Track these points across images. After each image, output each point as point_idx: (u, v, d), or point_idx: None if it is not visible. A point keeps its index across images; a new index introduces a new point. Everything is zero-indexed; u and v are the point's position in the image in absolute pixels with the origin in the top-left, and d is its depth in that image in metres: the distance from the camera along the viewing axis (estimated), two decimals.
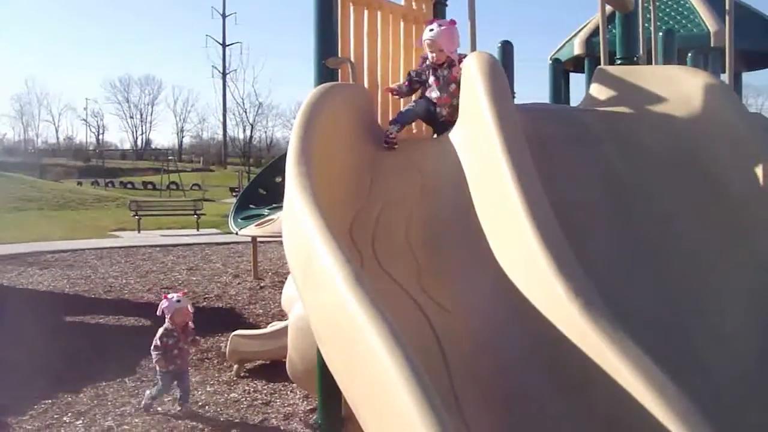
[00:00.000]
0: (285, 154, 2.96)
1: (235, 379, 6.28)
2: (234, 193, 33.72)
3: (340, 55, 3.94)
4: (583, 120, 3.66)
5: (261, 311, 9.08)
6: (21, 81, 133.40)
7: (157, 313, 5.53)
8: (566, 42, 10.37)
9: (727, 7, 5.33)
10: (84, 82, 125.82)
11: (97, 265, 12.85)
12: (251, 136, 69.21)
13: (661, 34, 6.14)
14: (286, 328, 5.41)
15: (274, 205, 10.57)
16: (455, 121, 3.62)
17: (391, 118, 3.93)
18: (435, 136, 3.98)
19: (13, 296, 10.07)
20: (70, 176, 50.23)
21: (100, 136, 79.32)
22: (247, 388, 6.05)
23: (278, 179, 11.00)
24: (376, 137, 3.69)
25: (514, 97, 4.33)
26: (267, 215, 10.59)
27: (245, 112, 68.05)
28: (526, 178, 2.64)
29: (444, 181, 3.17)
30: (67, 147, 74.34)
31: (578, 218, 2.89)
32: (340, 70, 3.94)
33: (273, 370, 6.21)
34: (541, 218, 2.48)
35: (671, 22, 9.22)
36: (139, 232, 19.07)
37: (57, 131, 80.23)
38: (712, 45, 8.71)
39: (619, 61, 5.39)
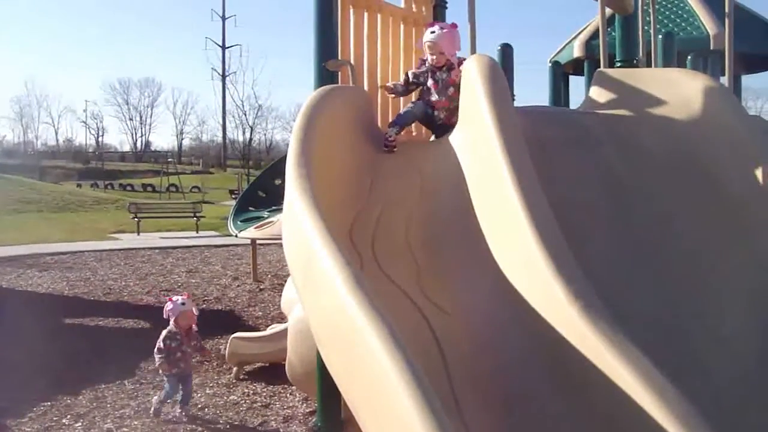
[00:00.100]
0: (285, 157, 2.96)
1: (234, 381, 6.27)
2: (233, 196, 33.71)
3: (340, 58, 3.94)
4: (583, 122, 3.67)
5: (260, 314, 9.07)
6: (20, 83, 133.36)
7: (164, 316, 5.47)
8: (566, 45, 10.39)
9: (726, 10, 5.34)
10: (84, 84, 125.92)
11: (97, 268, 12.85)
12: (251, 139, 69.45)
13: (660, 36, 6.15)
14: (285, 330, 5.41)
15: (273, 208, 10.57)
16: (453, 124, 3.62)
17: (390, 120, 3.93)
18: (433, 138, 3.98)
19: (13, 298, 10.06)
20: (70, 178, 50.25)
21: (100, 138, 79.48)
22: (246, 390, 6.04)
23: (278, 181, 11.01)
24: (376, 139, 3.69)
25: (513, 99, 4.34)
26: (266, 218, 10.60)
27: (245, 115, 68.31)
28: (525, 180, 2.64)
29: (444, 182, 3.17)
30: (66, 149, 74.41)
31: (578, 220, 2.89)
32: (340, 73, 3.94)
33: (272, 372, 6.20)
34: (541, 220, 2.49)
35: (671, 25, 9.25)
36: (138, 234, 19.07)
37: (56, 133, 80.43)
38: (711, 48, 8.74)
39: (618, 64, 5.41)
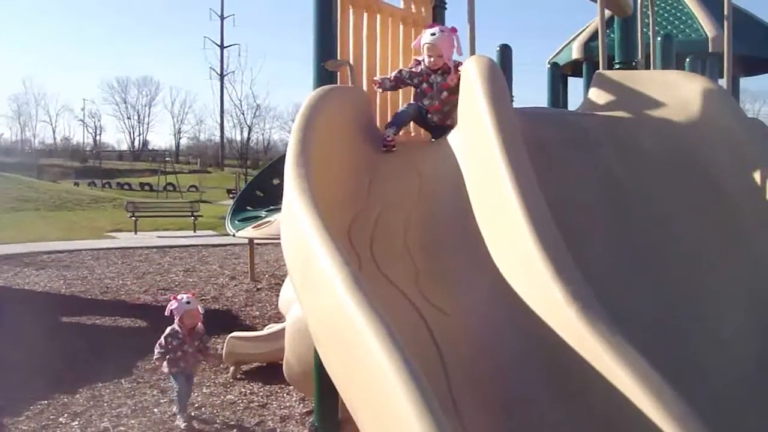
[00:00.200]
0: (283, 156, 2.96)
1: (231, 381, 6.27)
2: (231, 195, 33.72)
3: (339, 58, 3.94)
4: (582, 124, 3.67)
5: (258, 313, 9.07)
6: (18, 81, 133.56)
7: (166, 314, 5.42)
8: (564, 46, 10.40)
9: (725, 13, 5.34)
10: (82, 83, 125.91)
11: (94, 266, 12.83)
12: (249, 138, 69.43)
13: (659, 38, 6.16)
14: (283, 330, 5.40)
15: (271, 207, 10.57)
16: (448, 126, 3.62)
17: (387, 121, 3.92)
18: (432, 139, 3.98)
19: (9, 296, 10.05)
20: (67, 177, 50.19)
21: (98, 137, 79.50)
22: (243, 390, 6.04)
23: (275, 181, 11.01)
24: (375, 139, 3.69)
25: (512, 101, 4.33)
26: (264, 217, 10.60)
27: (243, 114, 68.27)
28: (524, 181, 2.64)
29: (442, 183, 3.17)
30: (64, 148, 74.34)
31: (577, 221, 2.89)
32: (339, 73, 3.94)
33: (269, 372, 6.21)
34: (540, 221, 2.48)
35: (669, 27, 9.26)
36: (135, 233, 19.06)
37: (54, 132, 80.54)
38: (710, 50, 8.75)
39: (617, 66, 5.41)
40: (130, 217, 20.06)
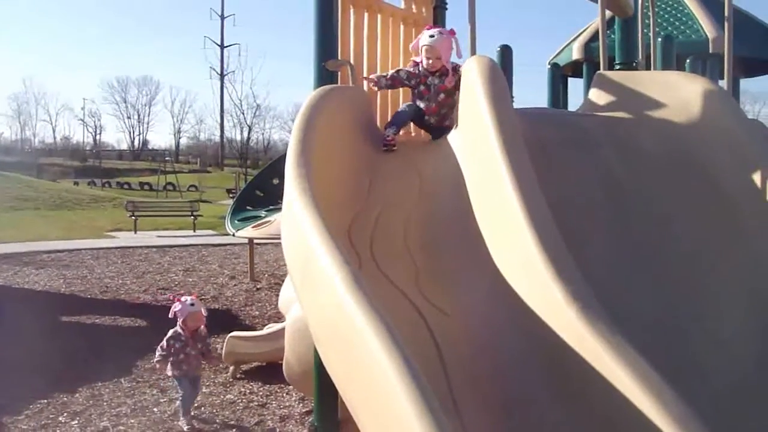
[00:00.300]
0: (283, 156, 2.96)
1: (231, 380, 6.27)
2: (231, 195, 33.69)
3: (339, 58, 3.94)
4: (583, 124, 3.67)
5: (257, 313, 9.07)
6: (18, 80, 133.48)
7: (170, 316, 5.35)
8: (565, 47, 10.40)
9: (726, 14, 5.34)
10: (82, 82, 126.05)
11: (94, 266, 12.83)
12: (249, 138, 69.43)
13: (660, 39, 6.16)
14: (282, 329, 5.40)
15: (271, 207, 10.58)
16: (446, 127, 3.62)
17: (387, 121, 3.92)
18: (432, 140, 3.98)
19: (9, 296, 10.05)
20: (67, 176, 50.17)
21: (98, 137, 79.51)
22: (243, 389, 6.04)
23: (275, 181, 11.02)
24: (375, 139, 3.69)
25: (512, 101, 4.33)
26: (264, 217, 10.60)
27: (243, 114, 68.25)
28: (524, 182, 2.64)
29: (443, 183, 3.17)
30: (64, 147, 74.36)
31: (577, 222, 2.89)
32: (339, 73, 3.94)
33: (269, 371, 6.20)
34: (540, 221, 2.49)
35: (670, 28, 9.26)
36: (135, 232, 19.05)
37: (54, 131, 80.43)
38: (710, 51, 8.75)
39: (618, 67, 5.42)
40: (130, 216, 20.05)
